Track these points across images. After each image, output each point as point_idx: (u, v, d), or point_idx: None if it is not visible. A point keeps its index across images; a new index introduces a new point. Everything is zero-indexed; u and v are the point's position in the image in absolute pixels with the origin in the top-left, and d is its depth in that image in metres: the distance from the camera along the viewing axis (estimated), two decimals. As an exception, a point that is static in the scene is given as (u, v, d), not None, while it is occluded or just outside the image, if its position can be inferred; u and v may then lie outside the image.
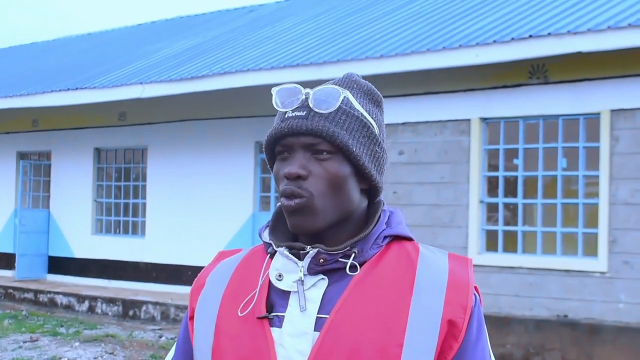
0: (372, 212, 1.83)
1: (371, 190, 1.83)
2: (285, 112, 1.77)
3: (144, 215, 16.50)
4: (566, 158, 10.81)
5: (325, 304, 1.72)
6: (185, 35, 19.07)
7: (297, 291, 1.73)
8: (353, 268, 1.73)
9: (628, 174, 9.90)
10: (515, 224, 11.10)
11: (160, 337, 12.60)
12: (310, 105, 1.75)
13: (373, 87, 1.88)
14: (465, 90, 11.16)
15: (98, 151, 17.43)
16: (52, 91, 16.04)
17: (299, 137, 1.74)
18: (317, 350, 1.68)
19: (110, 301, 14.99)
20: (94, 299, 15.25)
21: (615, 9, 10.45)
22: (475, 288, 1.78)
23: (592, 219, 10.36)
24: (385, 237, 1.79)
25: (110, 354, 11.25)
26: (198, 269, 15.21)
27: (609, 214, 9.99)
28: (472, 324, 1.73)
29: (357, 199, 1.79)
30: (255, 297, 1.76)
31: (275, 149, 1.79)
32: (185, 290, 15.27)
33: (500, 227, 11.06)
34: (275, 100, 1.78)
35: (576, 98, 10.32)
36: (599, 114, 10.12)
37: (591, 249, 10.28)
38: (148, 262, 16.15)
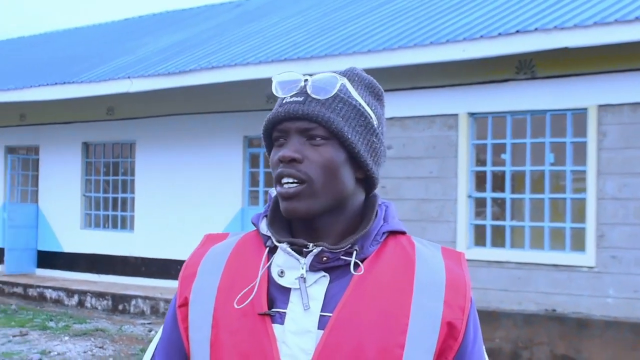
0: (369, 206, 1.84)
1: (367, 181, 1.84)
2: (284, 97, 1.78)
3: (132, 210, 16.50)
4: (554, 153, 10.84)
5: (327, 302, 1.72)
6: (173, 29, 19.04)
7: (299, 288, 1.73)
8: (356, 266, 1.74)
9: (615, 169, 9.95)
10: (503, 218, 11.15)
11: (150, 331, 12.62)
12: (308, 91, 1.76)
13: (375, 81, 1.91)
14: (452, 85, 11.19)
15: (86, 146, 17.41)
16: (39, 85, 16.02)
17: (295, 122, 1.75)
18: (322, 349, 1.68)
19: (100, 295, 15.00)
20: (83, 293, 15.26)
21: (602, 4, 10.49)
22: None
23: (579, 214, 10.41)
24: (384, 233, 1.81)
25: (100, 348, 11.27)
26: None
27: (596, 208, 10.05)
28: (470, 324, 1.78)
29: (352, 187, 1.80)
30: (254, 291, 1.74)
31: (272, 136, 1.80)
32: (174, 284, 15.27)
33: (489, 222, 11.11)
34: (276, 87, 1.79)
35: (563, 93, 10.36)
36: (586, 109, 10.17)
37: (579, 244, 10.34)
38: (137, 257, 16.16)
